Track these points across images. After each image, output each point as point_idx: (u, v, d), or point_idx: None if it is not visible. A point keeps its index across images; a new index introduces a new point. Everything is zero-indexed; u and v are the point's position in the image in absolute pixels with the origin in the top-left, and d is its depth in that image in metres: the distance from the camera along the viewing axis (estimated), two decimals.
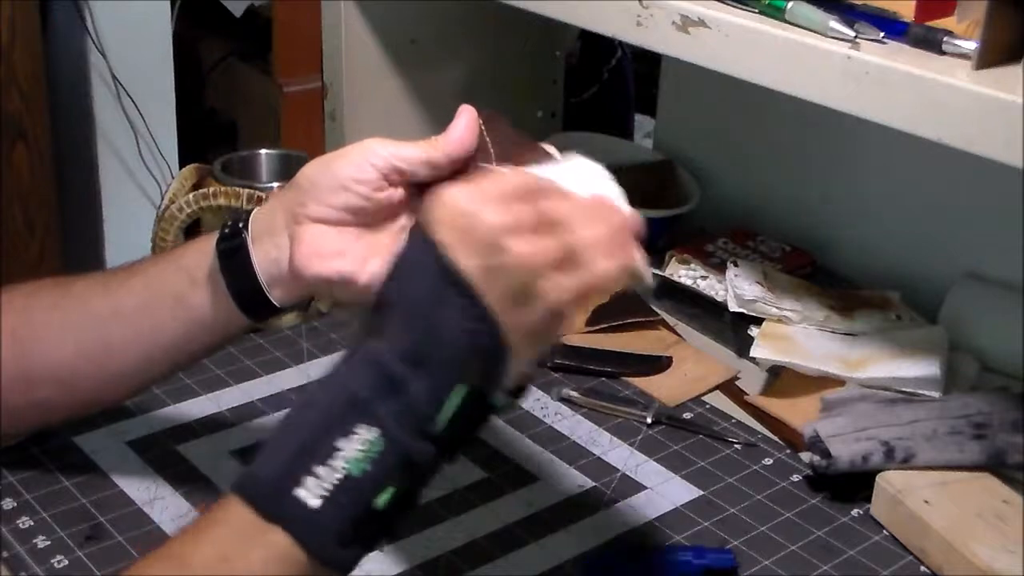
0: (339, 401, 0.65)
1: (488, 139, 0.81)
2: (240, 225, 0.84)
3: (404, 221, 0.81)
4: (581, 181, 0.74)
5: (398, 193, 0.80)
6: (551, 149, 0.82)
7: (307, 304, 1.14)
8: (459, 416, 0.65)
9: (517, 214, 0.66)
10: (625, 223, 0.72)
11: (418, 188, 0.80)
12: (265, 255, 0.82)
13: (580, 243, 0.67)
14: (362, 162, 0.79)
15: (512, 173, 0.72)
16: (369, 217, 0.80)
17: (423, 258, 0.66)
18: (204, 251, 0.85)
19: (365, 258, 0.79)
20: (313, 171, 0.81)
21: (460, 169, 0.80)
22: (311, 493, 0.63)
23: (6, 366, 0.86)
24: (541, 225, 0.67)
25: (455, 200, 0.66)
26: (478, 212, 0.65)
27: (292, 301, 0.84)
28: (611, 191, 0.75)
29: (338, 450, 0.63)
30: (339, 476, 0.63)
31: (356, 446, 0.63)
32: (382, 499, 0.64)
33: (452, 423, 0.65)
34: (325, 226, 0.80)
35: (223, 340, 0.89)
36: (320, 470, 0.63)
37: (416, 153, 0.79)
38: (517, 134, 0.83)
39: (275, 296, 0.83)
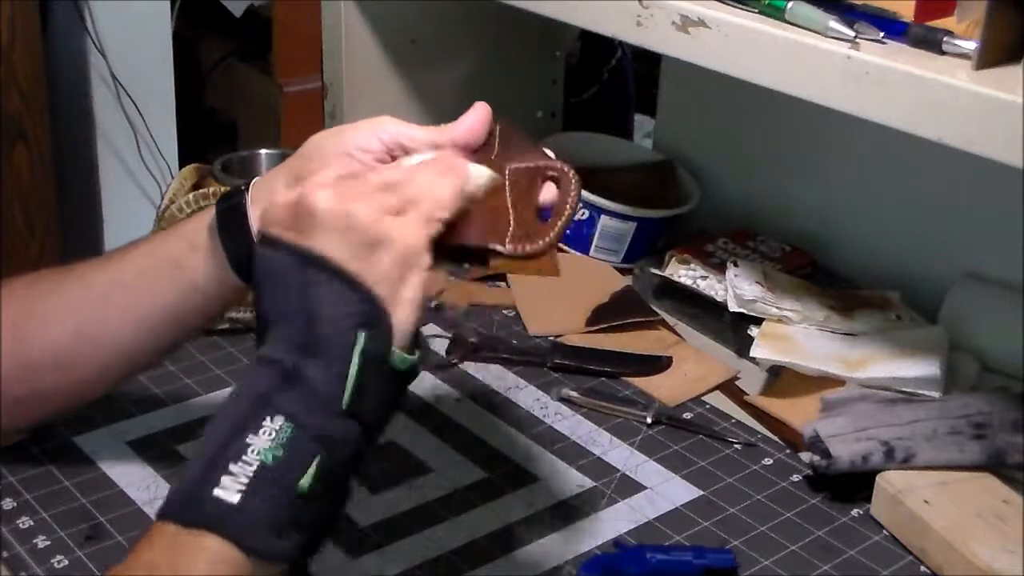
0: (244, 406, 0.67)
1: (497, 139, 0.83)
2: (241, 188, 0.86)
3: None
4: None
5: None
6: (551, 155, 0.83)
7: None
8: (364, 385, 0.67)
9: (343, 188, 0.70)
10: (447, 151, 0.78)
11: None
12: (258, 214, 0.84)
13: (412, 187, 0.72)
14: (370, 134, 0.83)
15: (335, 166, 0.77)
16: None
17: (276, 258, 0.69)
18: (204, 218, 0.86)
19: None
20: (321, 137, 0.85)
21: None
22: (228, 490, 0.64)
23: (6, 357, 0.86)
24: (372, 190, 0.71)
25: (281, 200, 0.70)
26: (306, 198, 0.69)
27: None
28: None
29: (249, 445, 0.65)
30: (253, 468, 0.64)
31: (266, 437, 0.65)
32: (305, 482, 0.65)
33: (359, 393, 0.66)
34: None
35: (217, 308, 0.89)
36: (234, 467, 0.64)
37: (424, 135, 0.82)
38: (527, 142, 0.84)
39: None
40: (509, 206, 0.80)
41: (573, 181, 0.81)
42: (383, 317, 0.68)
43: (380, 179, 0.72)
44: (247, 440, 0.65)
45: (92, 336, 0.88)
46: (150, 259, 0.88)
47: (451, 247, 0.78)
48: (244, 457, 0.64)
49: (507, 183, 0.81)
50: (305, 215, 0.69)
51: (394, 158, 0.83)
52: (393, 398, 0.70)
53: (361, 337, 0.67)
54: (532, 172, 0.82)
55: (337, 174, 0.72)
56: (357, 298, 0.67)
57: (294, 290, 0.68)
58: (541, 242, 0.78)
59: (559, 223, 0.80)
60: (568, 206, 0.80)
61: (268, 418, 0.65)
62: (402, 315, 0.68)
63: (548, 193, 0.81)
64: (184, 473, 0.66)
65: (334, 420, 0.66)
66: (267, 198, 0.84)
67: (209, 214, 0.86)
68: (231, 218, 0.85)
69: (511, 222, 0.79)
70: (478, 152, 0.82)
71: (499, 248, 0.78)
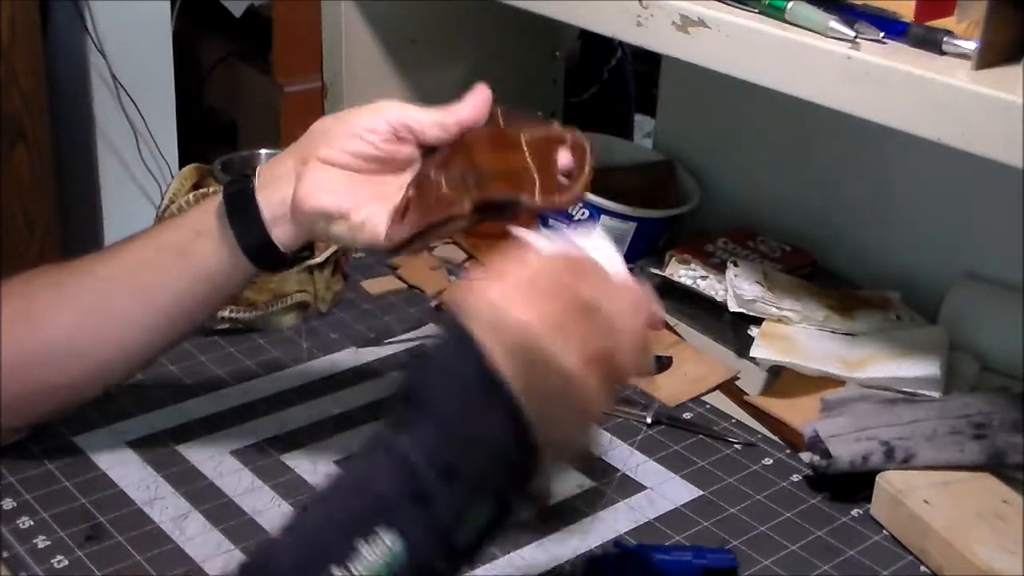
0: (364, 500, 0.63)
1: (501, 119, 0.86)
2: (248, 172, 0.87)
3: (407, 178, 0.85)
4: (603, 255, 0.72)
5: (406, 149, 0.85)
6: (557, 125, 0.87)
7: (306, 306, 1.15)
8: (484, 529, 0.64)
9: (552, 308, 0.64)
10: (652, 315, 0.70)
11: (428, 150, 0.85)
12: (271, 195, 0.86)
13: (619, 339, 0.66)
14: (376, 116, 0.84)
15: (543, 259, 0.68)
16: (376, 167, 0.84)
17: (460, 358, 0.64)
18: (209, 206, 0.87)
19: (365, 200, 0.83)
20: (327, 120, 0.87)
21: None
22: None
23: (4, 353, 0.87)
24: (578, 313, 0.65)
25: (487, 293, 0.65)
26: (512, 308, 0.64)
27: (294, 243, 0.87)
28: (623, 267, 0.74)
29: (358, 552, 0.61)
30: None
31: (377, 552, 0.61)
32: None
33: (476, 536, 0.64)
34: (331, 168, 0.84)
35: (223, 294, 0.90)
36: (336, 571, 0.61)
37: (429, 117, 0.84)
38: (534, 121, 0.87)
39: (276, 235, 0.86)
40: (532, 165, 0.82)
41: (587, 144, 0.84)
42: (535, 473, 0.64)
43: (584, 298, 0.65)
44: (356, 545, 0.61)
45: (93, 330, 0.89)
46: (153, 249, 0.89)
47: (479, 204, 0.80)
48: (350, 564, 0.61)
49: (525, 146, 0.83)
50: (506, 327, 0.63)
51: (400, 138, 0.84)
52: (495, 540, 0.67)
53: (507, 487, 0.64)
54: (547, 138, 0.84)
55: (547, 271, 0.66)
56: (523, 449, 0.63)
57: (464, 405, 0.63)
58: (568, 194, 0.82)
59: (581, 179, 0.82)
60: (587, 164, 0.83)
61: (386, 529, 0.61)
62: (551, 465, 0.65)
63: (564, 158, 0.83)
64: (282, 542, 0.64)
65: (443, 557, 0.63)
66: (275, 178, 0.85)
67: (213, 201, 0.87)
68: (239, 202, 0.86)
69: (535, 179, 0.81)
70: (485, 128, 0.85)
71: (528, 201, 0.80)
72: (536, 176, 0.81)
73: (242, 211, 0.86)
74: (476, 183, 0.82)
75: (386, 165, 0.85)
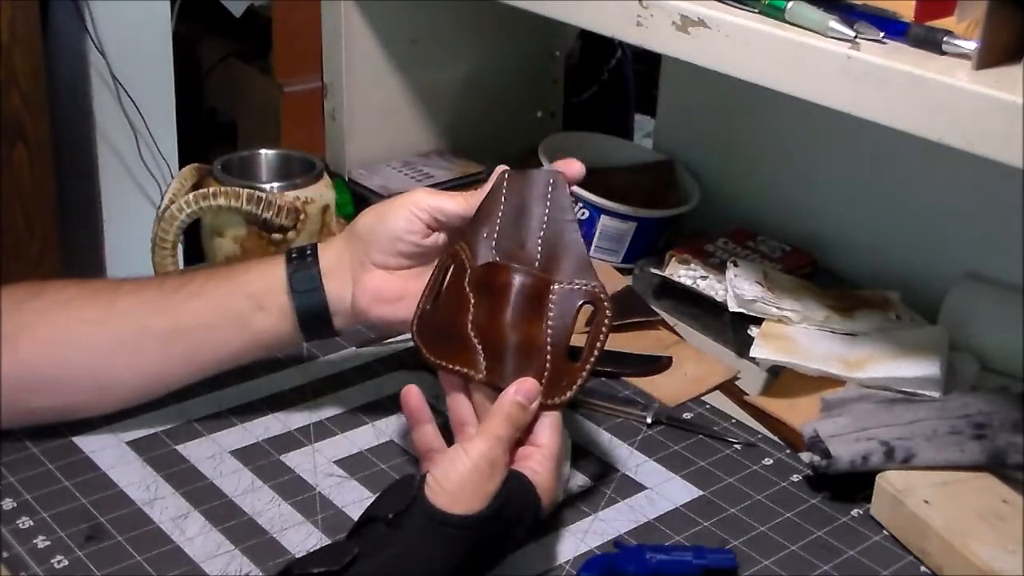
0: None
1: (548, 201, 0.91)
2: (309, 256, 0.96)
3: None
4: None
5: (442, 237, 0.95)
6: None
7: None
8: None
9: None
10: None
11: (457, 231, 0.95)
12: (331, 291, 0.96)
13: None
14: (411, 216, 0.94)
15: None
16: (421, 258, 0.96)
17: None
18: (270, 278, 0.96)
19: (415, 298, 0.94)
20: (369, 220, 0.96)
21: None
22: None
23: (43, 371, 0.93)
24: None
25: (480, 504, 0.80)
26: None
27: (348, 328, 0.99)
28: None
29: None
30: None
31: None
32: None
33: None
34: (385, 272, 0.95)
35: (274, 354, 1.05)
36: None
37: (454, 208, 0.94)
38: (573, 225, 0.92)
39: (336, 323, 0.97)
40: (548, 347, 0.88)
41: (608, 311, 0.88)
42: None
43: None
44: None
45: (149, 372, 0.97)
46: (215, 313, 0.96)
47: (490, 384, 0.87)
48: None
49: (547, 321, 0.88)
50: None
51: (433, 229, 0.94)
52: None
53: None
54: (572, 295, 0.89)
55: None
56: None
57: None
58: (569, 393, 0.87)
59: (587, 366, 0.87)
60: (598, 348, 0.88)
61: None
62: None
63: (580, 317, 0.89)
64: None
65: None
66: (336, 274, 0.96)
67: (274, 274, 0.96)
68: (308, 297, 0.95)
69: (547, 365, 0.87)
70: (525, 272, 0.90)
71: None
72: (548, 362, 0.87)
73: (310, 307, 0.95)
74: (493, 355, 0.87)
75: (429, 251, 0.95)
